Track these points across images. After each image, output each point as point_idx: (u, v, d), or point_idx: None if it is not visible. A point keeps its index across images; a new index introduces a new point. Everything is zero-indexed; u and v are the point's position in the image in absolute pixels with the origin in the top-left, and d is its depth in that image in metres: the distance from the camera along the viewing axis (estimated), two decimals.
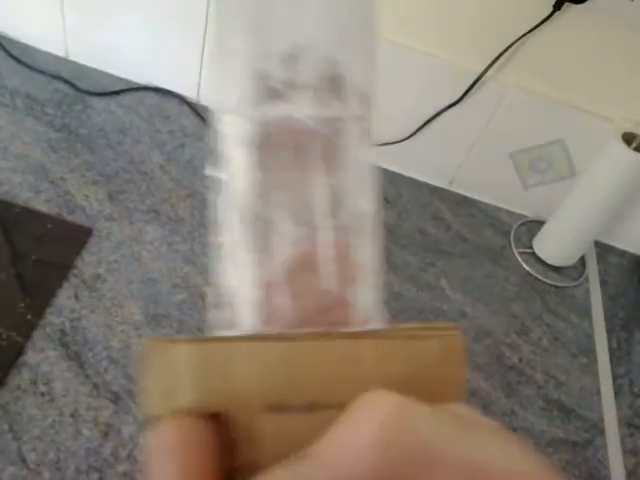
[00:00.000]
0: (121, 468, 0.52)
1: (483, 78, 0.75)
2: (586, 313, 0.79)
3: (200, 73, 0.84)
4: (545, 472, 0.14)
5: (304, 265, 0.17)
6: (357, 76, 0.16)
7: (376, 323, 0.18)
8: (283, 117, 0.16)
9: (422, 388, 0.15)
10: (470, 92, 0.76)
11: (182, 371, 0.15)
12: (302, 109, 0.16)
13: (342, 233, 0.17)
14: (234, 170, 0.16)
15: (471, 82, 0.75)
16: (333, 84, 0.16)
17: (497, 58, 0.73)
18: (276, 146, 0.16)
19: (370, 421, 0.13)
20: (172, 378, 0.15)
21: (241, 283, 0.17)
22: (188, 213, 0.73)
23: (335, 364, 0.15)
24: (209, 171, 0.17)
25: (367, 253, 0.17)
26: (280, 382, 0.15)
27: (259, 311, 0.16)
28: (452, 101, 0.78)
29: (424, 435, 0.13)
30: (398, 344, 0.16)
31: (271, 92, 0.16)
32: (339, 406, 0.14)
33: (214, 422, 0.15)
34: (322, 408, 0.15)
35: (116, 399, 0.56)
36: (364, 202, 0.17)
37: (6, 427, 0.52)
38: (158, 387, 0.16)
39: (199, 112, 0.85)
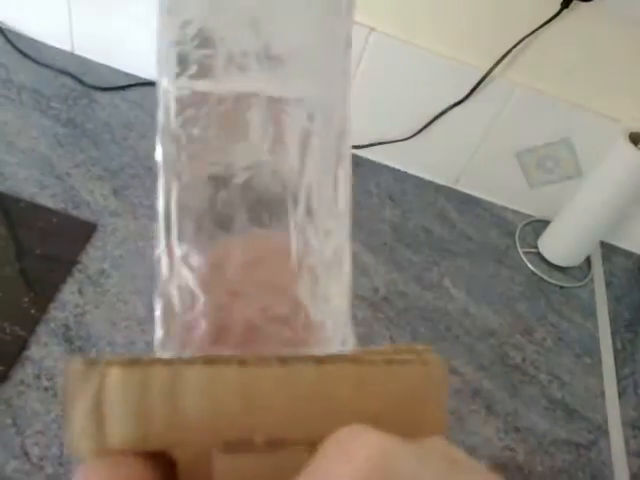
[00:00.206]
0: None
1: (489, 76, 0.74)
2: (591, 314, 0.78)
3: None
4: None
5: (258, 259, 0.15)
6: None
7: (343, 344, 0.15)
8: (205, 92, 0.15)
9: (402, 418, 0.14)
10: (476, 90, 0.76)
11: (115, 400, 0.13)
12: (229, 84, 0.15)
13: (306, 222, 0.15)
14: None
15: (477, 80, 0.75)
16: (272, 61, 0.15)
17: (504, 56, 0.73)
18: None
19: (348, 464, 0.12)
20: (102, 408, 0.13)
21: (189, 291, 0.14)
22: None
23: (301, 394, 0.13)
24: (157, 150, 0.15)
25: (332, 246, 0.15)
26: (236, 415, 0.13)
27: (208, 327, 0.14)
28: (458, 99, 0.77)
29: (409, 478, 0.12)
30: (374, 370, 0.14)
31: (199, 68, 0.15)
32: (307, 443, 0.13)
33: (155, 464, 0.13)
34: (287, 445, 0.13)
35: None
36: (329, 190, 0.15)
37: (9, 421, 0.52)
38: (85, 419, 0.13)
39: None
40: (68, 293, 0.61)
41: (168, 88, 0.15)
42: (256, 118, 0.15)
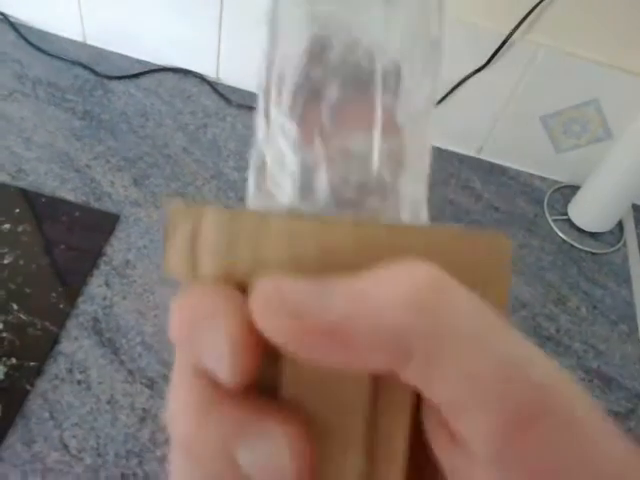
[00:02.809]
0: (159, 452, 0.53)
1: (511, 40, 0.72)
2: (625, 279, 0.76)
3: (218, 51, 0.82)
4: (588, 399, 0.13)
5: (349, 140, 0.15)
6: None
7: (419, 218, 0.16)
8: None
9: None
10: (497, 55, 0.73)
11: (207, 236, 0.14)
12: None
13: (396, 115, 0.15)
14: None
15: (498, 44, 0.72)
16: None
17: (525, 17, 0.70)
18: None
19: (407, 283, 0.12)
20: (196, 242, 0.14)
21: (282, 153, 0.15)
22: (213, 194, 0.72)
23: (373, 252, 0.14)
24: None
25: (419, 142, 0.16)
26: (310, 264, 0.14)
27: (296, 185, 0.15)
28: (479, 65, 0.75)
29: (463, 311, 0.12)
30: (445, 238, 0.14)
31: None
32: None
33: (240, 296, 0.14)
34: None
35: (151, 384, 0.56)
36: (421, 97, 0.15)
37: (47, 415, 0.53)
38: (182, 249, 0.14)
39: (219, 91, 0.84)
40: (95, 286, 0.62)
41: None
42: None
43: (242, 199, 0.73)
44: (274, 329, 0.13)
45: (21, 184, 0.68)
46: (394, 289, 0.12)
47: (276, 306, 0.13)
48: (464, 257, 0.14)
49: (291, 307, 0.12)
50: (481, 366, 0.12)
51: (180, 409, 0.14)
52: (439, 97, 0.78)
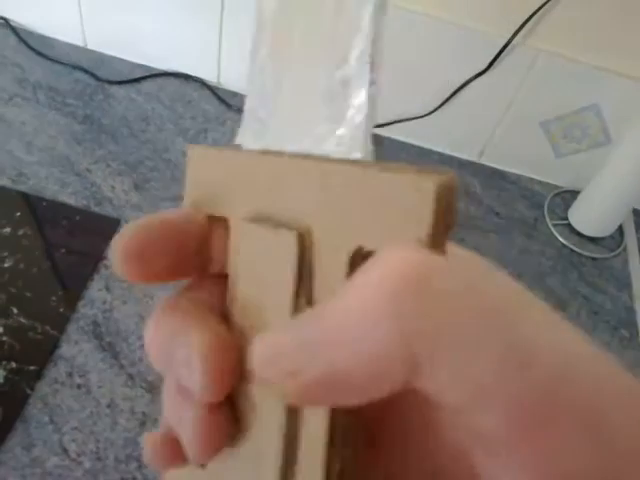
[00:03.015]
0: None
1: (511, 45, 0.72)
2: (625, 284, 0.76)
3: (219, 55, 0.83)
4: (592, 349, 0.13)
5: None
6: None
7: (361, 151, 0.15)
8: None
9: (377, 228, 0.14)
10: (498, 60, 0.73)
11: (193, 171, 0.17)
12: None
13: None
14: None
15: (499, 49, 0.72)
16: None
17: (525, 23, 0.70)
18: None
19: (385, 290, 0.12)
20: (193, 180, 0.17)
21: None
22: None
23: (307, 185, 0.14)
24: None
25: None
26: (266, 195, 0.15)
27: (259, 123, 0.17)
28: (479, 70, 0.75)
29: (454, 304, 0.12)
30: (365, 173, 0.14)
31: None
32: (301, 230, 0.14)
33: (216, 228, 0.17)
34: (287, 229, 0.15)
35: (151, 388, 0.56)
36: None
37: (47, 419, 0.53)
38: (188, 187, 0.17)
39: (220, 95, 0.84)
40: (95, 290, 0.62)
41: None
42: None
43: None
44: (276, 390, 0.13)
45: (22, 188, 0.68)
46: (374, 304, 0.12)
47: (270, 368, 0.13)
48: (378, 192, 0.13)
49: (285, 366, 0.13)
50: (480, 365, 0.11)
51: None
52: (439, 102, 0.79)
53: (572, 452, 0.11)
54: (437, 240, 0.13)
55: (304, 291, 0.15)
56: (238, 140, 0.17)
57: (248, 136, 0.17)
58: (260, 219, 0.15)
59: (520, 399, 0.11)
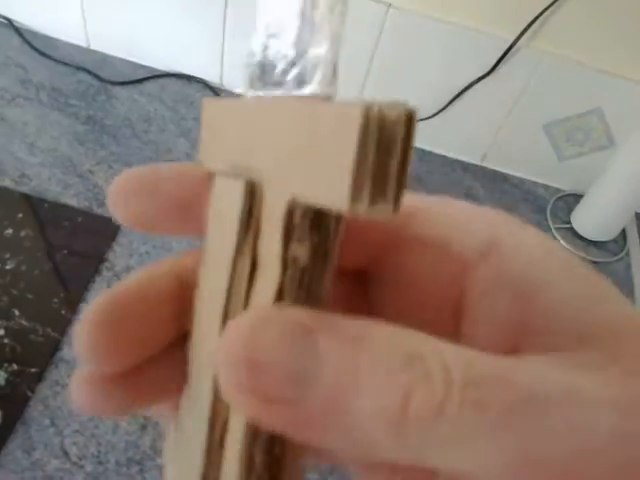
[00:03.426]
0: (160, 460, 0.52)
1: (515, 47, 0.72)
2: (628, 289, 0.76)
3: (222, 57, 0.82)
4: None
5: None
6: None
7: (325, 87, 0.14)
8: None
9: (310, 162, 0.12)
10: (501, 62, 0.73)
11: (205, 127, 0.17)
12: None
13: None
14: None
15: (503, 52, 0.72)
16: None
17: (529, 25, 0.70)
18: None
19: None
20: (203, 133, 0.17)
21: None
22: None
23: (269, 130, 0.13)
24: None
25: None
26: (240, 145, 0.15)
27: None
28: (483, 73, 0.75)
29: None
30: (306, 107, 0.12)
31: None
32: (254, 180, 0.14)
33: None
34: (245, 171, 0.14)
35: None
36: None
37: (48, 422, 0.53)
38: (201, 140, 0.17)
39: (223, 96, 0.84)
40: (97, 292, 0.62)
41: None
42: None
43: None
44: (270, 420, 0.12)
45: (24, 189, 0.68)
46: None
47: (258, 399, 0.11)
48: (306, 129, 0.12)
49: (283, 394, 0.11)
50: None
51: None
52: (442, 105, 0.78)
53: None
54: (375, 190, 0.10)
55: (248, 248, 0.13)
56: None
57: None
58: (234, 172, 0.14)
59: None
